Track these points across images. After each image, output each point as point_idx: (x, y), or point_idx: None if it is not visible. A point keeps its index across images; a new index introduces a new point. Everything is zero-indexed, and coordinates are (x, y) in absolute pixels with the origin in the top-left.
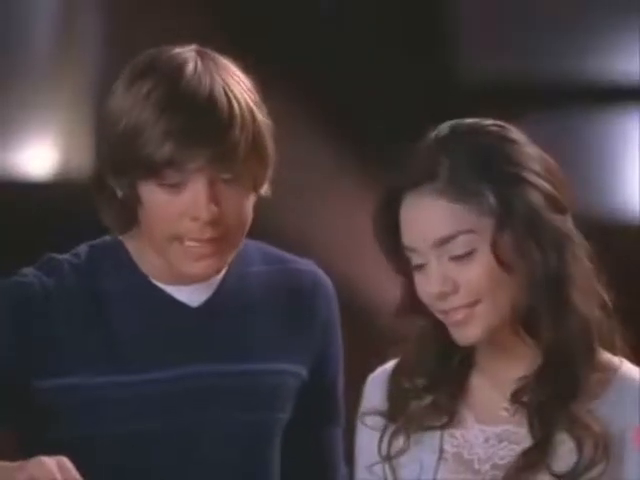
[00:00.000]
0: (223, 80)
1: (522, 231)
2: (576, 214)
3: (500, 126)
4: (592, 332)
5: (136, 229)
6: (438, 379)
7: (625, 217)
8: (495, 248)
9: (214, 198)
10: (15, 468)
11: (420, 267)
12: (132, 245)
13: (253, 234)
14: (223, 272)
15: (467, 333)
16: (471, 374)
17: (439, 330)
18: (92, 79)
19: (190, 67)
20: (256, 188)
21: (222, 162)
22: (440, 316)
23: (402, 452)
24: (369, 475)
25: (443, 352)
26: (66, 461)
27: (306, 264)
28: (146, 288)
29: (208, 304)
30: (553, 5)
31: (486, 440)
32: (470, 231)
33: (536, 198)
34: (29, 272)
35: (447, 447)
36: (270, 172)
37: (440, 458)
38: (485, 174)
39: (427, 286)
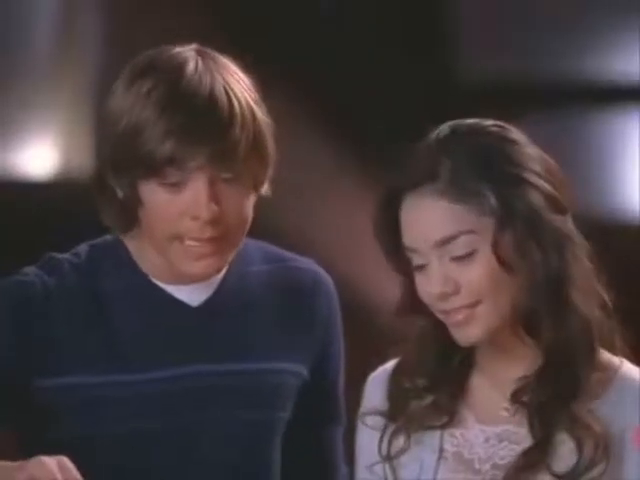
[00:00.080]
0: (223, 79)
1: (523, 231)
2: (576, 214)
3: (500, 126)
4: (592, 332)
5: (136, 229)
6: (438, 379)
7: (625, 217)
8: (496, 248)
9: (214, 197)
10: (15, 468)
11: (421, 267)
12: (132, 244)
13: (253, 234)
14: (223, 271)
15: (468, 333)
16: (471, 374)
17: (439, 330)
18: (92, 79)
19: (190, 66)
20: (256, 187)
21: (222, 161)
22: (441, 316)
23: (402, 452)
24: (369, 475)
25: (443, 352)
26: (66, 461)
27: (306, 263)
28: (146, 287)
29: (208, 303)
30: (553, 5)
31: (486, 440)
32: (471, 231)
33: (536, 198)
34: (30, 271)
35: (447, 447)
36: (270, 171)
37: (440, 458)
38: (486, 174)
39: (428, 286)
